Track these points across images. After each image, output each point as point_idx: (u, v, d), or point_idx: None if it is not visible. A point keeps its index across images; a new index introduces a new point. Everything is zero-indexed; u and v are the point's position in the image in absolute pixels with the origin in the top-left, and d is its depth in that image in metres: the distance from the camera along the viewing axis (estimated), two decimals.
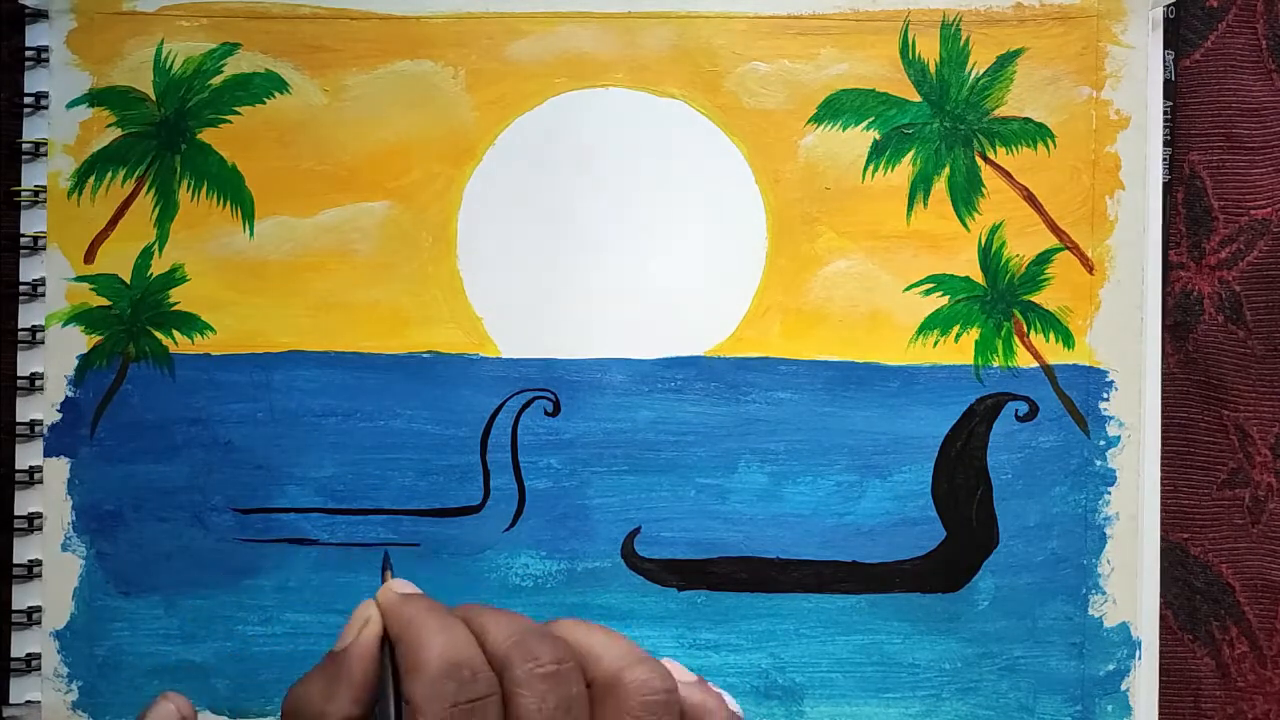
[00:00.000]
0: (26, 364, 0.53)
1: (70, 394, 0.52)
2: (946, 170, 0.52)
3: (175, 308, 0.53)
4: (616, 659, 0.37)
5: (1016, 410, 0.52)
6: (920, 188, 0.52)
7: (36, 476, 0.52)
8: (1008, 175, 0.52)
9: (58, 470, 0.52)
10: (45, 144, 0.53)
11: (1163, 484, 0.52)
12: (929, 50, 0.52)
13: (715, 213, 0.53)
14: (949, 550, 0.52)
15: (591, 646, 0.37)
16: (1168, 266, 0.53)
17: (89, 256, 0.53)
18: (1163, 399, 0.52)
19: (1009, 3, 0.52)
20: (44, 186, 0.53)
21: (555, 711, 0.35)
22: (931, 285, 0.52)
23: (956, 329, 0.52)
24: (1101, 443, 0.52)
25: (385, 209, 0.53)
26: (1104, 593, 0.52)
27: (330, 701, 0.37)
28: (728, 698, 0.38)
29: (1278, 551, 0.53)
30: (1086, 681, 0.52)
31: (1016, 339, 0.52)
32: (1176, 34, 0.53)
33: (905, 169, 0.52)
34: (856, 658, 0.52)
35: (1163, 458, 0.52)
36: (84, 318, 0.52)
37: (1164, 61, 0.53)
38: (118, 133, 0.53)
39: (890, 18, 0.52)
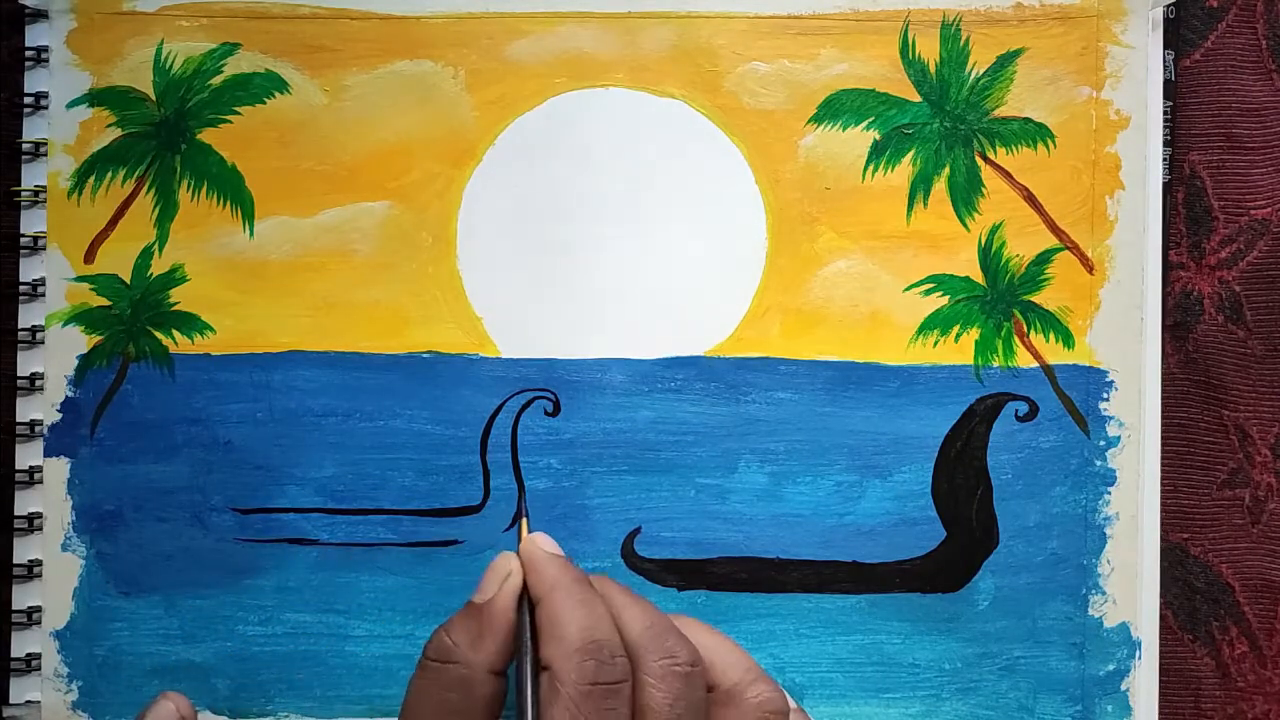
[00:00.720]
0: (26, 364, 0.53)
1: (70, 394, 0.52)
2: (946, 170, 0.52)
3: (175, 308, 0.53)
4: (740, 672, 0.38)
5: (1016, 410, 0.52)
6: (920, 188, 0.52)
7: (36, 476, 0.52)
8: (1008, 175, 0.52)
9: (58, 470, 0.52)
10: (45, 144, 0.53)
11: (1163, 484, 0.52)
12: (929, 50, 0.52)
13: (715, 213, 0.53)
14: (949, 550, 0.52)
15: (714, 654, 0.38)
16: (1168, 266, 0.53)
17: (89, 256, 0.53)
18: (1163, 399, 0.52)
19: (1009, 3, 0.52)
20: (44, 186, 0.53)
21: (685, 712, 0.36)
22: (931, 285, 0.52)
23: (956, 329, 0.52)
24: (1101, 443, 0.52)
25: (385, 209, 0.53)
26: (1104, 593, 0.52)
27: (477, 651, 0.38)
28: None
29: (1278, 551, 0.53)
30: (1086, 681, 0.52)
31: (1016, 339, 0.52)
32: (1176, 34, 0.54)
33: (905, 169, 0.52)
34: (856, 658, 0.52)
35: (1163, 458, 0.52)
36: (84, 318, 0.52)
37: (1164, 61, 0.53)
38: (118, 133, 0.53)
39: (890, 18, 0.52)
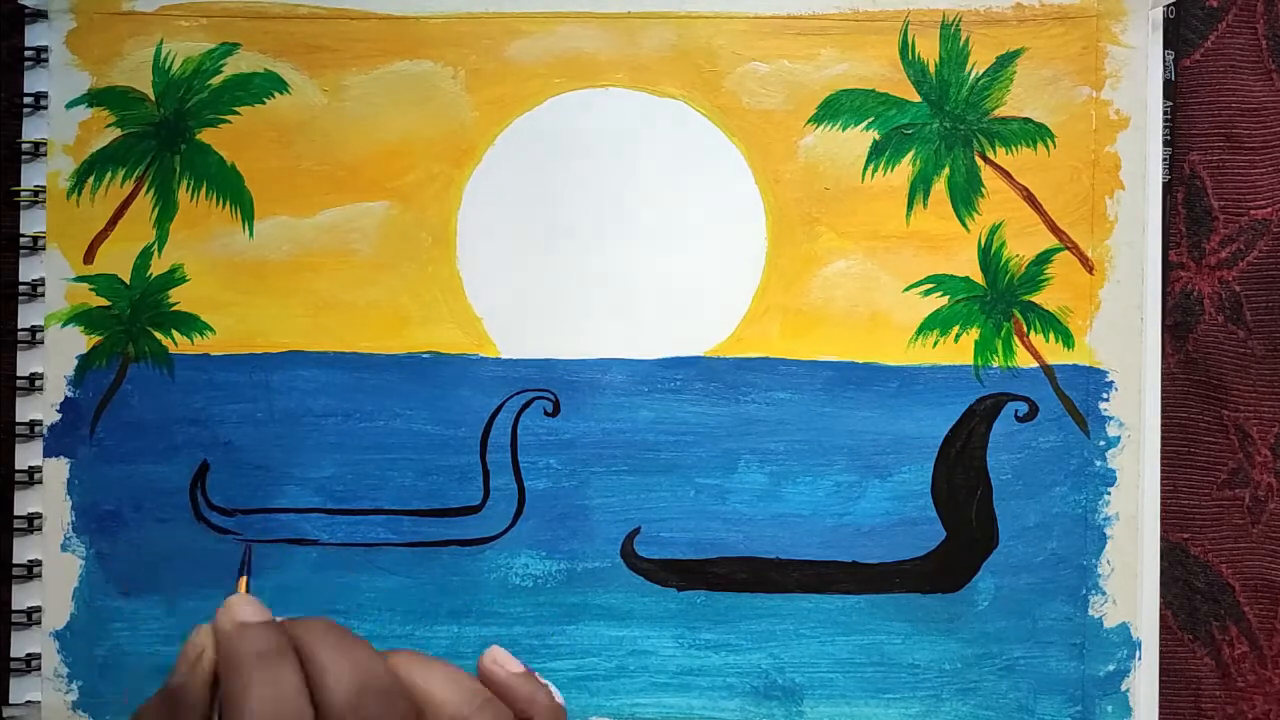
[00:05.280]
0: (26, 364, 0.53)
1: (70, 394, 0.52)
2: (946, 170, 0.52)
3: (175, 308, 0.53)
4: (455, 708, 0.35)
5: (1016, 410, 0.52)
6: (920, 188, 0.52)
7: (36, 476, 0.52)
8: (1008, 175, 0.52)
9: (57, 470, 0.52)
10: (45, 144, 0.53)
11: (1163, 484, 0.52)
12: (929, 50, 0.52)
13: (715, 213, 0.53)
14: (949, 550, 0.52)
15: (431, 692, 0.35)
16: (1168, 266, 0.53)
17: (88, 257, 0.53)
18: (1163, 399, 0.52)
19: (1009, 3, 0.52)
20: (43, 186, 0.53)
21: None
22: (931, 285, 0.52)
23: (956, 329, 0.52)
24: (1101, 443, 0.52)
25: (385, 209, 0.53)
26: (1104, 593, 0.52)
27: None
28: (553, 689, 0.37)
29: (1278, 551, 0.53)
30: (1086, 682, 0.52)
31: (1016, 339, 0.52)
32: (1176, 34, 0.53)
33: (905, 169, 0.52)
34: (856, 658, 0.52)
35: (1163, 458, 0.52)
36: (84, 318, 0.52)
37: (1164, 61, 0.53)
38: (117, 133, 0.53)
39: (890, 18, 0.52)
